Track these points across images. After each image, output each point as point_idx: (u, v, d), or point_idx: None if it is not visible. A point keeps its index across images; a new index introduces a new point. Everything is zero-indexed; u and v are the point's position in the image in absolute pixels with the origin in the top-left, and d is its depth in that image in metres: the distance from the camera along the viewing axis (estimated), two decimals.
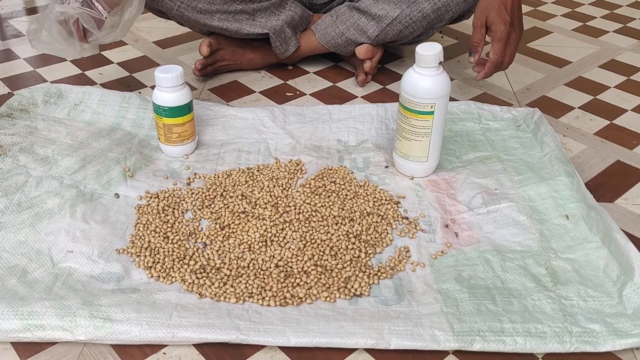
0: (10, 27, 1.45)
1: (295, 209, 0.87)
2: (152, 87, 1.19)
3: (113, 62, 1.30)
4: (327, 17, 1.22)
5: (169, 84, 0.93)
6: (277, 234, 0.83)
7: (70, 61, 1.29)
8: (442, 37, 1.45)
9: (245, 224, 0.84)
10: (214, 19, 1.14)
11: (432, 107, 0.87)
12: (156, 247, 0.80)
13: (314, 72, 1.28)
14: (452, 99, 1.15)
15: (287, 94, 1.20)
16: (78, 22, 0.92)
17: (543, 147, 1.00)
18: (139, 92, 1.11)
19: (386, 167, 0.97)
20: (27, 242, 0.79)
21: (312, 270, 0.77)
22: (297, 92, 1.20)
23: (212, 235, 0.82)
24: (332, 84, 1.24)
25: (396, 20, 1.14)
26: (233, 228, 0.84)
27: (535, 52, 1.41)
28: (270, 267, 0.77)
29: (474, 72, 1.07)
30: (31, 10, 1.57)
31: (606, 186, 0.96)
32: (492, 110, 1.10)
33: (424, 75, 0.87)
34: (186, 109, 0.95)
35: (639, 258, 0.73)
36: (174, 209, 0.87)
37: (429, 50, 0.86)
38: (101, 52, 1.32)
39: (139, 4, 0.97)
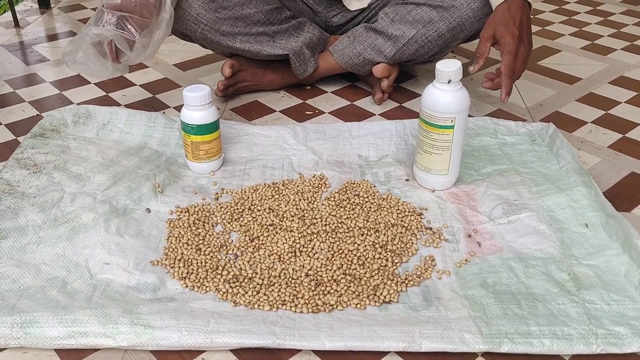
0: (35, 52, 1.50)
1: (321, 221, 0.90)
2: (175, 108, 1.23)
3: (136, 84, 1.34)
4: (345, 38, 1.26)
5: (196, 103, 0.96)
6: (306, 245, 0.85)
7: (94, 84, 1.33)
8: (455, 56, 1.49)
9: (274, 236, 0.87)
10: (236, 40, 1.18)
11: (452, 121, 0.91)
12: (189, 258, 0.82)
13: (331, 92, 1.31)
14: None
15: (306, 112, 1.23)
16: (112, 43, 0.96)
17: (559, 159, 1.02)
18: (163, 112, 1.15)
19: (407, 180, 1.00)
20: (65, 255, 0.82)
21: (342, 278, 0.79)
22: (317, 111, 1.24)
23: (243, 246, 0.85)
24: (350, 102, 1.27)
25: (412, 40, 1.18)
26: (262, 240, 0.86)
27: (545, 69, 1.44)
28: (300, 276, 0.80)
29: (489, 90, 1.10)
30: (50, 38, 1.61)
31: (622, 197, 0.98)
32: (507, 125, 1.13)
33: (444, 91, 0.90)
34: (213, 126, 0.99)
35: None
36: (204, 222, 0.90)
37: (449, 67, 0.89)
38: (124, 75, 1.36)
39: (166, 26, 1.02)
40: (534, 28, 1.69)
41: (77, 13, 1.77)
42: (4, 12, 1.78)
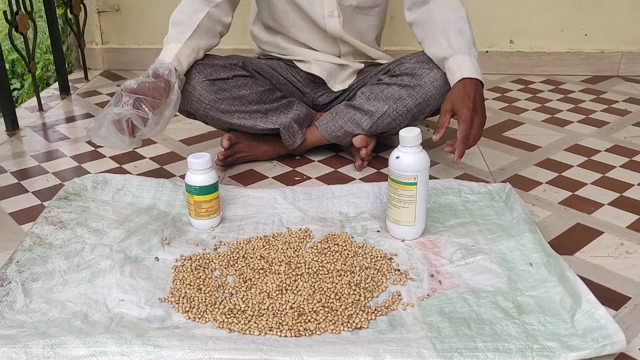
0: (57, 132, 1.69)
1: (305, 265, 1.04)
2: (180, 176, 1.40)
3: (145, 157, 1.52)
4: (328, 114, 1.45)
5: (199, 167, 1.14)
6: (291, 284, 1.00)
7: (109, 157, 1.51)
8: (428, 129, 1.67)
9: (264, 278, 1.01)
10: (233, 117, 1.36)
11: (415, 178, 1.07)
12: (191, 296, 0.97)
13: (318, 161, 1.49)
14: (434, 177, 1.35)
15: (295, 178, 1.40)
16: (129, 120, 1.14)
17: (512, 212, 1.18)
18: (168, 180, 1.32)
19: (378, 231, 1.15)
20: (86, 294, 0.96)
21: (321, 310, 0.93)
22: (305, 177, 1.41)
23: (237, 286, 1.00)
24: (334, 169, 1.45)
25: (385, 114, 1.36)
26: (254, 281, 1.01)
27: (509, 139, 1.62)
28: (286, 309, 0.94)
29: (453, 156, 1.26)
30: (69, 120, 1.81)
31: (567, 243, 1.13)
32: (470, 185, 1.30)
33: (407, 153, 1.07)
34: (213, 188, 1.15)
35: (585, 290, 0.90)
36: (205, 268, 1.05)
37: (410, 133, 1.07)
38: (135, 150, 1.54)
39: (174, 106, 1.20)
40: (502, 104, 1.89)
41: (93, 98, 1.98)
42: (30, 98, 2.00)
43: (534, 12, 2.12)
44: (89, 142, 1.60)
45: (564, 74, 2.17)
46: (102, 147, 1.54)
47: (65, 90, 1.99)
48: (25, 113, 1.81)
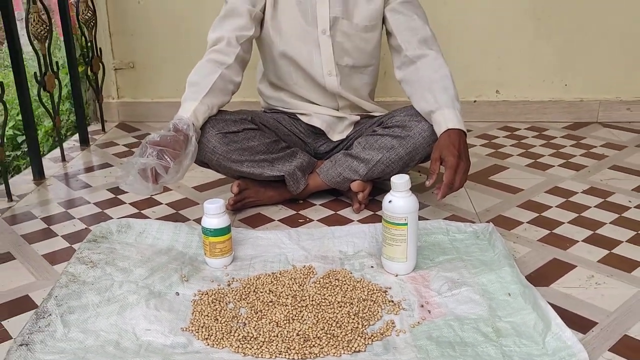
0: (79, 180, 1.84)
1: (309, 298, 1.18)
2: (194, 220, 1.54)
3: (162, 203, 1.66)
4: (328, 162, 1.60)
5: (214, 212, 1.28)
6: (297, 315, 1.13)
7: (128, 203, 1.66)
8: (420, 175, 1.82)
9: (273, 309, 1.15)
10: (243, 166, 1.51)
11: (405, 219, 1.21)
12: (209, 325, 1.10)
13: (319, 204, 1.63)
14: (425, 218, 1.49)
15: (299, 220, 1.54)
16: (153, 169, 1.29)
17: (494, 249, 1.32)
18: (185, 223, 1.46)
19: (372, 267, 1.29)
20: (116, 324, 1.09)
21: (324, 336, 1.06)
22: (307, 219, 1.55)
23: (249, 317, 1.13)
24: (334, 212, 1.59)
25: (379, 162, 1.52)
26: (264, 312, 1.14)
27: (495, 183, 1.77)
28: (293, 336, 1.07)
29: (444, 199, 1.41)
30: (88, 170, 1.96)
31: (544, 276, 1.27)
32: (457, 225, 1.44)
33: (398, 197, 1.22)
34: (226, 230, 1.29)
35: (555, 315, 1.04)
36: (220, 301, 1.18)
37: (400, 180, 1.21)
38: (152, 196, 1.69)
39: (192, 156, 1.36)
40: (488, 150, 2.05)
41: (110, 149, 2.14)
42: (42, 146, 2.16)
43: (518, 65, 2.30)
44: (109, 190, 1.75)
45: (547, 121, 2.33)
46: (122, 194, 1.70)
47: (84, 142, 2.15)
48: (49, 163, 1.96)
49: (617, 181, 1.76)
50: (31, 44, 1.81)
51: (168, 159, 1.29)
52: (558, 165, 1.90)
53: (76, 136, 2.19)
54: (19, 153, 2.27)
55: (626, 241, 1.41)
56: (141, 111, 2.41)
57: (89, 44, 2.18)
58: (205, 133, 1.46)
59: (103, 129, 2.32)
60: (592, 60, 2.27)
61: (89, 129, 2.27)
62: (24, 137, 1.87)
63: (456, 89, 1.49)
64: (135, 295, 1.16)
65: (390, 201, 1.22)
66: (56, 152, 2.04)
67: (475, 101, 2.34)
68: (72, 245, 1.42)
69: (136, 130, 2.34)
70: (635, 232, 1.45)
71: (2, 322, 1.14)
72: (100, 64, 2.27)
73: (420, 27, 1.55)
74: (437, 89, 1.46)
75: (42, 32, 1.84)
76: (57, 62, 1.96)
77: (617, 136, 2.17)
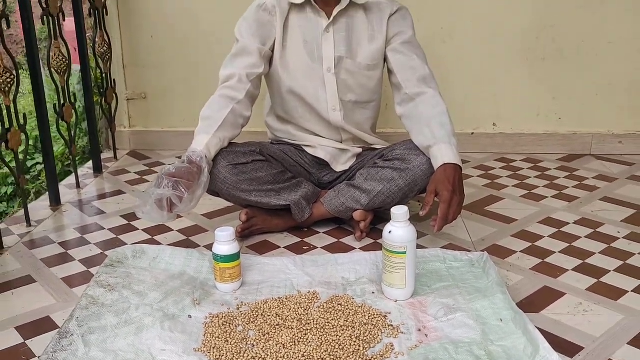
0: (94, 207, 1.93)
1: (313, 321, 1.25)
2: (204, 246, 1.63)
3: (173, 230, 1.75)
4: (332, 192, 1.69)
5: (225, 239, 1.36)
6: (302, 337, 1.20)
7: (141, 230, 1.74)
8: (420, 204, 1.91)
9: (280, 332, 1.22)
10: (252, 195, 1.60)
11: (404, 248, 1.29)
12: (220, 346, 1.17)
13: (323, 232, 1.72)
14: (423, 247, 1.57)
15: (304, 247, 1.63)
16: (169, 199, 1.37)
17: (488, 277, 1.40)
18: (196, 250, 1.54)
19: (373, 292, 1.36)
20: (134, 344, 1.17)
21: (327, 358, 1.14)
22: (312, 247, 1.63)
23: (257, 339, 1.20)
24: (337, 240, 1.67)
25: (380, 192, 1.60)
26: (272, 334, 1.22)
27: (490, 213, 1.86)
28: (299, 357, 1.14)
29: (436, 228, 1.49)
30: (101, 196, 2.04)
31: (535, 303, 1.34)
32: (454, 254, 1.52)
33: (398, 227, 1.30)
34: (236, 256, 1.38)
35: (543, 340, 1.12)
36: (230, 324, 1.26)
37: (400, 211, 1.30)
38: (164, 223, 1.77)
39: (204, 186, 1.44)
40: (485, 181, 2.14)
41: (122, 176, 2.23)
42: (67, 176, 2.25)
43: (513, 100, 2.40)
44: (123, 216, 1.83)
45: (542, 153, 2.43)
46: (134, 220, 1.78)
47: (98, 169, 2.24)
48: (65, 190, 2.05)
49: (608, 212, 1.85)
50: (51, 77, 1.91)
51: (182, 189, 1.37)
52: (551, 197, 1.99)
53: (90, 163, 2.28)
54: (27, 177, 2.35)
55: (614, 270, 1.49)
56: (152, 140, 2.51)
57: (103, 75, 2.28)
58: (216, 164, 1.55)
59: (115, 156, 2.42)
60: (585, 96, 2.37)
61: (102, 156, 2.37)
62: (32, 162, 1.94)
63: (452, 125, 1.58)
64: (151, 317, 1.24)
65: (390, 231, 1.30)
66: (71, 178, 2.13)
67: (473, 133, 2.43)
68: (89, 269, 1.50)
69: (147, 158, 2.43)
70: (623, 262, 1.53)
71: (26, 342, 1.21)
72: (114, 95, 2.37)
73: (419, 66, 1.65)
74: (435, 125, 1.55)
75: (62, 66, 1.94)
76: (74, 94, 2.05)
77: (609, 168, 2.26)
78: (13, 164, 1.72)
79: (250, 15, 1.67)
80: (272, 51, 1.68)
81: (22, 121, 1.70)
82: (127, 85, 2.47)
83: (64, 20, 1.94)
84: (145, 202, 1.36)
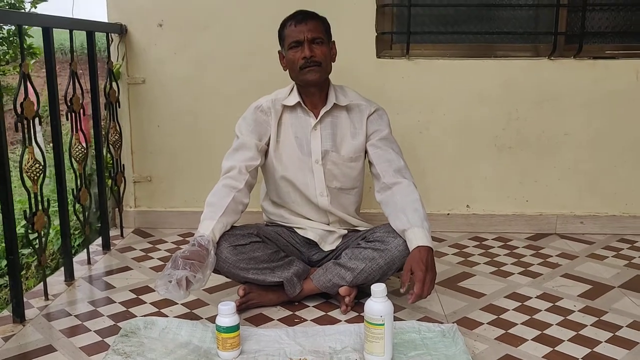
0: (104, 282, 2.12)
1: None
2: (207, 318, 1.82)
3: (178, 304, 1.94)
4: (320, 270, 1.91)
5: (227, 312, 1.56)
6: None
7: (149, 303, 1.94)
8: (399, 280, 2.12)
9: None
10: (249, 273, 1.81)
11: (383, 320, 1.50)
12: None
13: (312, 306, 1.92)
14: (401, 319, 1.78)
15: (295, 320, 1.82)
16: (185, 279, 1.58)
17: (457, 345, 1.60)
18: (200, 322, 1.74)
19: (355, 359, 1.56)
20: None
21: None
22: (302, 319, 1.83)
23: None
24: (325, 313, 1.87)
25: (362, 270, 1.82)
26: None
27: (462, 288, 2.07)
28: None
29: (417, 303, 1.70)
30: (109, 272, 2.24)
31: None
32: (428, 325, 1.73)
33: (377, 302, 1.51)
34: (236, 328, 1.57)
35: None
36: None
37: (378, 287, 1.52)
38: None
39: (211, 267, 1.66)
40: (459, 259, 2.36)
41: (128, 253, 2.43)
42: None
43: (484, 184, 2.66)
44: (131, 291, 2.03)
45: (512, 232, 2.67)
46: (143, 294, 1.98)
47: (106, 247, 2.45)
48: (77, 266, 2.24)
49: (567, 288, 2.07)
50: (71, 165, 2.15)
51: (196, 270, 1.59)
52: (518, 273, 2.21)
53: (99, 240, 2.49)
54: (30, 250, 2.51)
55: (567, 340, 1.69)
56: (155, 219, 2.73)
57: (114, 161, 2.53)
58: (218, 246, 1.77)
59: (122, 234, 2.63)
60: (548, 180, 2.64)
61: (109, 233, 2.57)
62: (35, 235, 2.08)
63: (425, 211, 1.82)
64: None
65: (370, 305, 1.52)
66: (82, 255, 2.34)
67: (448, 214, 2.67)
68: (104, 339, 1.69)
69: (150, 236, 2.64)
70: (576, 332, 1.74)
71: None
72: (123, 178, 2.61)
73: (395, 159, 1.91)
74: (409, 211, 1.79)
75: (80, 155, 2.18)
76: (89, 180, 2.29)
77: (571, 247, 2.50)
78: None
79: (248, 115, 1.94)
80: (268, 145, 1.93)
81: (45, 205, 1.92)
82: (134, 169, 2.71)
83: (84, 115, 2.20)
84: (165, 282, 1.57)
